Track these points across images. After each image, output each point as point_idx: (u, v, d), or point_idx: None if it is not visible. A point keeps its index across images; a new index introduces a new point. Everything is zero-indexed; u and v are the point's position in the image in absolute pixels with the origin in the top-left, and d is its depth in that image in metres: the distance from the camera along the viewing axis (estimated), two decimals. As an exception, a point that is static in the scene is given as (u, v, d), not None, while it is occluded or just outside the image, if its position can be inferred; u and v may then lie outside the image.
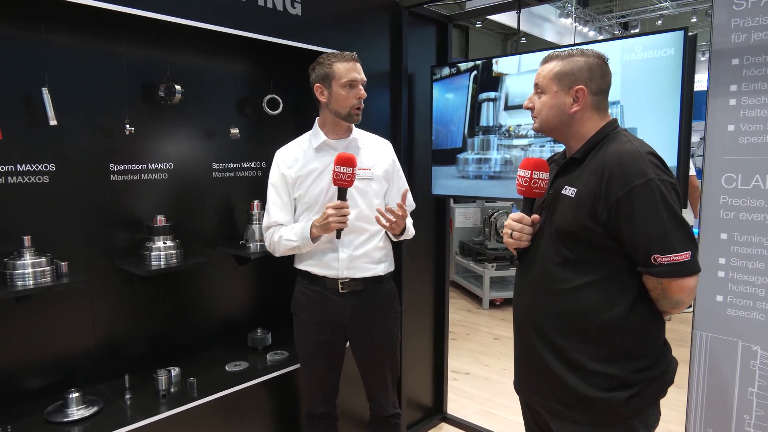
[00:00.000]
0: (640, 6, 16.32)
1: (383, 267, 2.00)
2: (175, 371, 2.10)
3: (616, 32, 17.66)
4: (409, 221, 1.99)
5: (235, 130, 2.37)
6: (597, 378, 1.40)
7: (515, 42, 18.77)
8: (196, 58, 2.30)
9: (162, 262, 2.07)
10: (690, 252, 1.29)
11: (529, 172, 1.46)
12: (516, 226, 1.51)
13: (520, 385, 1.64)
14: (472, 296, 5.84)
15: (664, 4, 15.78)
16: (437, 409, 3.19)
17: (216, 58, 2.38)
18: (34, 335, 1.94)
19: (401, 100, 2.68)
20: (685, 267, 1.29)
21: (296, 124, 2.64)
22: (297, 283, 2.04)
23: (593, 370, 1.40)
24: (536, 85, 1.49)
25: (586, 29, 16.28)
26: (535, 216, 1.50)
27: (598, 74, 1.42)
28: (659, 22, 16.50)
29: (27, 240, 1.78)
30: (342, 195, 1.80)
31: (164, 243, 2.09)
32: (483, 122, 2.53)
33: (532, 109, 1.51)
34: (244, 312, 2.60)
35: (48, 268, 1.78)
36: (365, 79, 1.90)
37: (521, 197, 1.52)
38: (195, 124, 2.33)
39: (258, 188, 2.54)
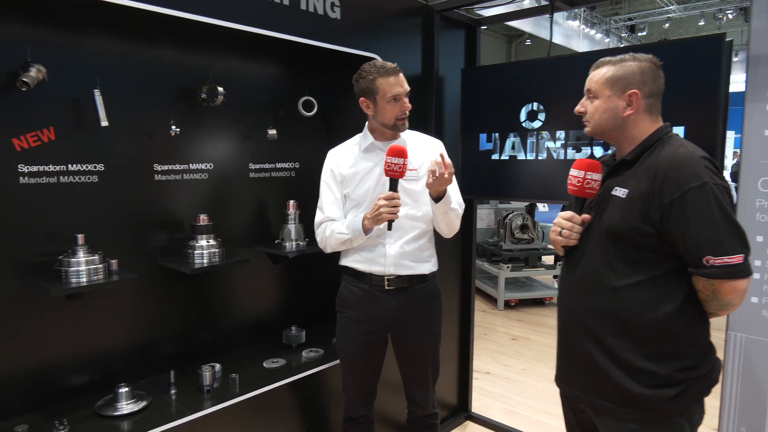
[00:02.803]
0: (647, 9, 16.34)
1: (428, 266, 2.04)
2: (217, 367, 2.14)
3: (623, 35, 17.70)
4: (455, 195, 1.96)
5: (272, 131, 2.42)
6: (643, 375, 1.43)
7: (520, 44, 18.86)
8: (233, 61, 2.35)
9: (205, 261, 2.12)
10: (743, 255, 1.32)
11: (583, 172, 1.49)
12: (565, 224, 1.54)
13: (564, 382, 1.67)
14: (487, 297, 5.87)
15: (671, 7, 15.79)
16: (462, 408, 3.23)
17: (253, 62, 2.43)
18: (82, 331, 1.99)
19: (432, 102, 2.72)
20: (737, 269, 1.32)
21: (330, 125, 2.69)
22: (342, 281, 2.08)
23: (640, 368, 1.43)
24: (588, 91, 1.53)
25: (593, 32, 16.33)
26: (586, 215, 1.53)
27: (651, 78, 1.46)
28: (666, 25, 16.53)
29: (80, 238, 1.82)
30: (393, 186, 1.84)
31: (207, 242, 2.13)
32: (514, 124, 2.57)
33: (583, 113, 1.55)
34: (278, 310, 2.65)
35: (101, 266, 1.83)
36: (408, 89, 1.94)
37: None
38: (233, 126, 2.37)
39: (292, 189, 2.59)
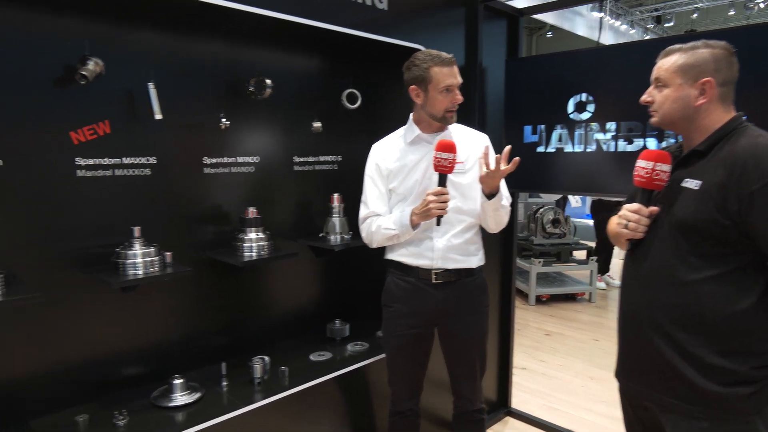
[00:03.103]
0: (674, -1, 15.98)
1: (476, 260, 2.02)
2: (266, 360, 2.15)
3: (649, 26, 17.33)
4: (503, 189, 1.94)
5: (317, 124, 2.41)
6: (717, 372, 1.39)
7: (540, 36, 18.58)
8: (279, 54, 2.34)
9: (254, 254, 2.12)
10: None
11: (652, 163, 1.45)
12: (632, 216, 1.50)
13: (627, 378, 1.63)
14: (518, 292, 5.81)
15: (700, -4, 15.41)
16: (502, 403, 3.20)
17: (298, 54, 2.42)
18: (135, 323, 2.01)
19: (475, 94, 2.68)
20: None
21: (372, 118, 2.67)
22: (389, 275, 2.06)
23: (713, 365, 1.39)
24: (657, 79, 1.48)
25: (618, 23, 16.03)
26: (653, 208, 1.49)
27: (725, 65, 1.41)
28: (695, 15, 16.15)
29: (137, 231, 1.83)
30: (442, 181, 1.82)
31: (256, 234, 2.13)
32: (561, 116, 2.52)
33: (650, 103, 1.51)
34: (322, 303, 2.64)
35: (156, 258, 1.84)
36: (461, 81, 1.91)
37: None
38: (279, 119, 2.37)
39: (334, 182, 2.58)
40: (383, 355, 2.34)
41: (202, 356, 2.20)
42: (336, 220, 2.42)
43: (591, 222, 6.56)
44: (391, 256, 2.05)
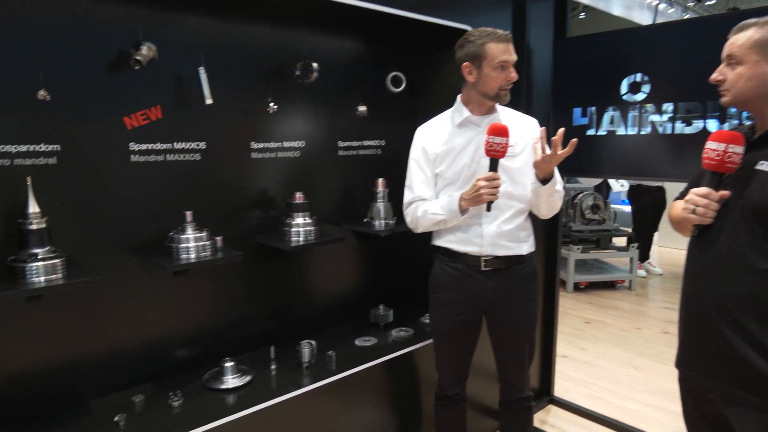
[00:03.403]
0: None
1: (526, 246, 1.97)
2: (313, 344, 2.15)
3: (689, 4, 16.62)
4: (557, 174, 1.88)
5: (362, 108, 2.38)
6: (790, 364, 1.33)
7: (574, 17, 18.02)
8: (325, 38, 2.31)
9: (301, 239, 2.12)
10: None
11: (724, 145, 1.38)
12: (701, 201, 1.43)
13: (690, 369, 1.57)
14: (554, 279, 5.73)
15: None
16: (544, 391, 3.16)
17: (343, 37, 2.39)
18: (186, 306, 2.03)
19: (522, 76, 2.60)
20: None
21: (416, 101, 2.63)
22: (436, 261, 2.04)
23: (787, 356, 1.33)
24: (729, 56, 1.40)
25: (655, 2, 15.42)
26: (724, 192, 1.42)
27: None
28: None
29: (189, 215, 1.85)
30: (494, 166, 1.77)
31: (303, 219, 2.13)
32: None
33: (721, 82, 1.43)
34: (366, 289, 2.64)
35: (208, 242, 1.85)
36: (516, 58, 1.85)
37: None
38: (324, 103, 2.35)
39: (377, 166, 2.56)
40: (428, 341, 2.33)
41: (250, 340, 2.22)
42: (381, 206, 2.40)
43: (628, 208, 6.40)
44: (438, 242, 2.02)
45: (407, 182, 2.04)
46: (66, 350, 1.76)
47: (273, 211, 2.24)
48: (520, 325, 2.01)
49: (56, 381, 1.75)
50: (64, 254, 1.57)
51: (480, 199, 1.79)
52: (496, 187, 1.77)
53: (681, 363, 1.61)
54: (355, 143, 2.50)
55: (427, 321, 2.53)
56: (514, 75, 1.85)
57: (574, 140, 1.71)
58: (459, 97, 1.98)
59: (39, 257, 1.50)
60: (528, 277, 2.00)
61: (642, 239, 5.86)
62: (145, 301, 1.92)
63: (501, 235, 1.91)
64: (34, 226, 1.52)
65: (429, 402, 2.26)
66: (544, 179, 1.81)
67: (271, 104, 2.06)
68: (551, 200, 1.89)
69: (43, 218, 1.55)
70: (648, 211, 5.96)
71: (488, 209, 1.82)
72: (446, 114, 2.03)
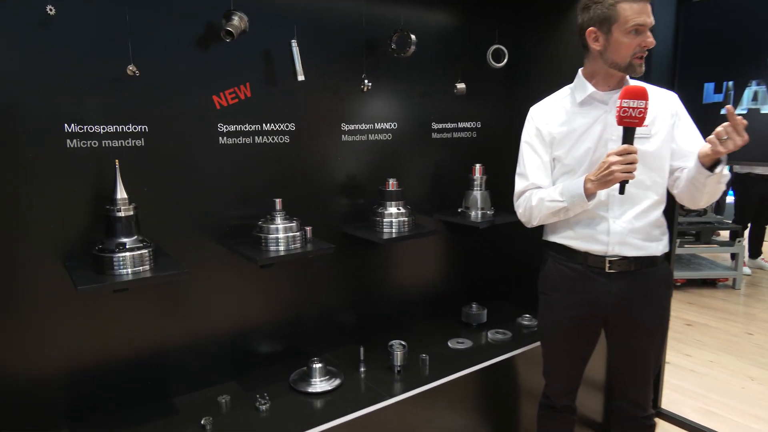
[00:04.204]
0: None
1: (660, 246, 1.68)
2: (404, 345, 1.97)
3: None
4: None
5: (461, 85, 2.15)
6: None
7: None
8: (420, 8, 2.09)
9: (394, 230, 1.93)
10: None
11: None
12: None
13: None
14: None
15: None
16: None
17: (440, 6, 2.15)
18: (271, 299, 1.91)
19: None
20: None
21: (519, 79, 2.36)
22: (549, 258, 1.78)
23: None
24: None
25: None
26: None
27: None
28: None
29: (278, 203, 1.70)
30: (629, 137, 1.49)
31: (397, 209, 1.94)
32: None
33: None
34: (456, 285, 2.43)
35: (298, 233, 1.70)
36: (654, 21, 1.55)
37: None
38: (418, 79, 2.13)
39: (472, 151, 2.33)
40: (530, 347, 2.11)
41: (334, 335, 2.08)
42: (478, 194, 2.17)
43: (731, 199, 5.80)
44: (552, 237, 1.77)
45: (519, 169, 1.78)
46: (149, 340, 1.67)
47: (361, 199, 2.06)
48: (648, 337, 1.73)
49: (141, 373, 1.67)
50: (151, 244, 1.46)
51: (612, 178, 1.50)
52: (632, 162, 1.48)
53: None
54: (449, 125, 2.27)
55: (525, 322, 2.30)
56: (651, 40, 1.55)
57: (744, 121, 1.41)
58: (580, 71, 1.70)
59: (127, 247, 1.40)
60: (661, 281, 1.71)
61: (753, 233, 5.29)
62: (229, 291, 1.80)
63: (632, 231, 1.63)
64: (122, 214, 1.42)
65: (529, 413, 2.04)
66: (712, 165, 1.50)
67: (366, 81, 1.87)
68: (718, 188, 1.57)
69: (131, 205, 1.45)
70: (754, 202, 5.37)
71: (621, 191, 1.54)
72: (564, 91, 1.76)
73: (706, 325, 4.13)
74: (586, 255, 1.68)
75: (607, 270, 1.66)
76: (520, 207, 1.78)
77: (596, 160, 1.63)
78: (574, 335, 1.77)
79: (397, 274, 2.25)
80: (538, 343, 2.11)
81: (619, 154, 1.48)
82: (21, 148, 1.38)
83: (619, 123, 1.47)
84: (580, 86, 1.69)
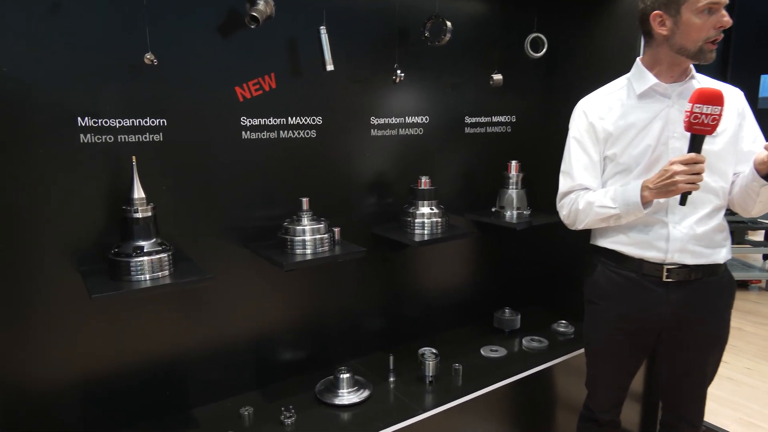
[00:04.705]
0: None
1: (723, 253, 1.53)
2: (435, 354, 1.85)
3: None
4: None
5: (498, 77, 2.01)
6: None
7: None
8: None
9: (427, 231, 1.80)
10: None
11: None
12: None
13: None
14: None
15: None
16: (688, 413, 2.70)
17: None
18: (295, 304, 1.79)
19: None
20: None
21: (558, 71, 2.20)
22: (599, 264, 1.64)
23: None
24: None
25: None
26: None
27: None
28: None
29: (305, 203, 1.59)
30: (696, 145, 1.35)
31: (430, 209, 1.81)
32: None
33: None
34: (488, 289, 2.30)
35: (326, 235, 1.58)
36: (728, 0, 1.40)
37: None
38: (452, 70, 2.00)
39: (506, 147, 2.19)
40: (568, 356, 1.98)
41: (361, 341, 1.97)
42: (513, 193, 2.04)
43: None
44: (602, 242, 1.62)
45: (564, 167, 1.64)
46: (167, 348, 1.56)
47: (390, 198, 1.94)
48: (707, 351, 1.59)
49: (159, 383, 1.56)
50: (171, 247, 1.35)
51: (674, 189, 1.36)
52: (699, 173, 1.34)
53: None
54: (483, 119, 2.13)
55: (562, 329, 2.17)
56: (727, 19, 1.39)
57: None
58: (639, 60, 1.55)
59: (145, 251, 1.29)
60: (723, 291, 1.57)
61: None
62: (251, 296, 1.69)
63: (693, 238, 1.49)
64: (139, 215, 1.31)
65: (569, 427, 1.91)
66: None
67: (398, 71, 1.74)
68: None
69: (149, 205, 1.34)
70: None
71: (682, 202, 1.40)
72: (619, 82, 1.61)
73: (740, 329, 3.96)
74: (641, 262, 1.54)
75: (664, 279, 1.52)
76: (564, 209, 1.64)
77: (654, 159, 1.49)
78: (624, 349, 1.64)
79: (426, 277, 2.13)
80: (577, 353, 1.99)
81: (685, 163, 1.34)
82: (31, 144, 1.27)
83: (688, 129, 1.33)
84: (640, 76, 1.54)
